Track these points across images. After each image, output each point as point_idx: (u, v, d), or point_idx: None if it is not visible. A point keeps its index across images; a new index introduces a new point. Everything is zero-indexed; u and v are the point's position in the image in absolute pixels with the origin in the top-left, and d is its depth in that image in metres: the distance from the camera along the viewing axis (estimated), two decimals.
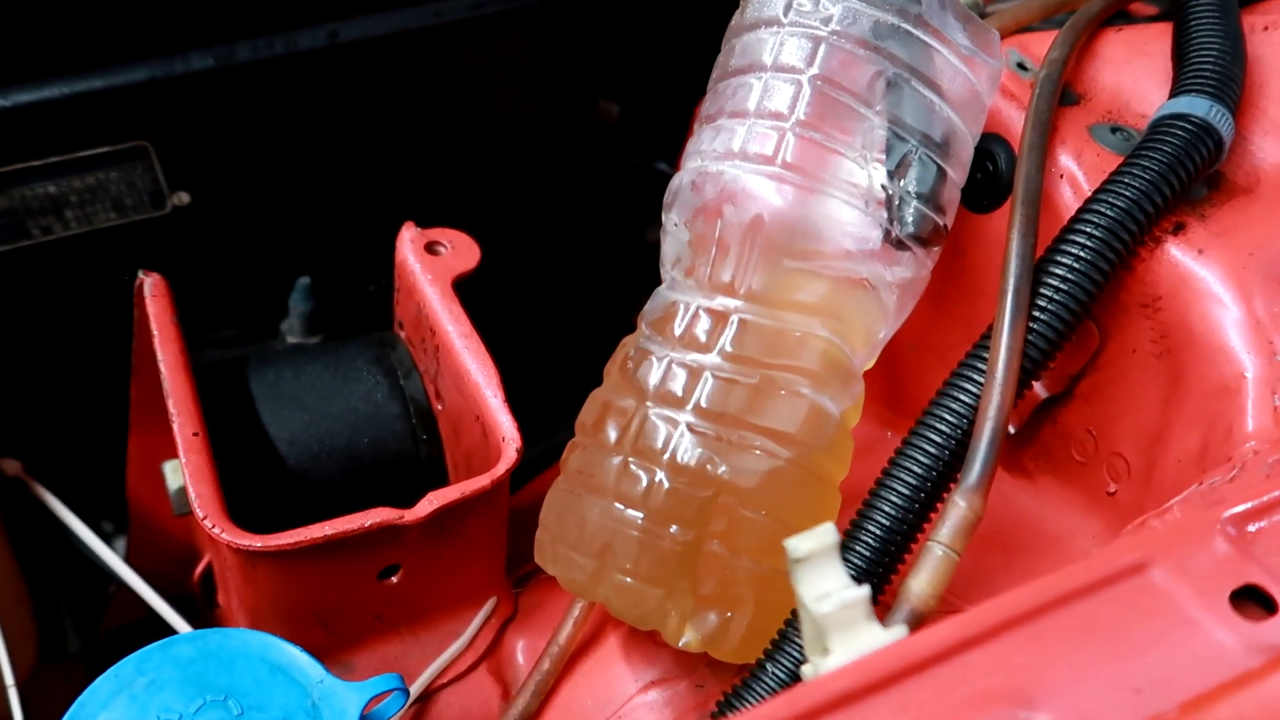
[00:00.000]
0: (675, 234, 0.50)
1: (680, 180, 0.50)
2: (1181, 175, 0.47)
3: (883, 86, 0.48)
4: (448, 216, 0.82)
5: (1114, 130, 0.54)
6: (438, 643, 0.58)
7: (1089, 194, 0.51)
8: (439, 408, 0.65)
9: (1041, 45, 0.58)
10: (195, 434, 0.53)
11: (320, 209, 0.77)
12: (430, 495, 0.53)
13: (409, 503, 0.66)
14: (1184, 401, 0.47)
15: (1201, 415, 0.45)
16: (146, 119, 0.68)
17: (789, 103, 0.47)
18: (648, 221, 0.92)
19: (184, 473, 0.51)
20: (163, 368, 0.55)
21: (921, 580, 0.42)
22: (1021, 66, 0.58)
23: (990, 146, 0.55)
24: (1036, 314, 0.47)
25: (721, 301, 0.48)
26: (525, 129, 0.82)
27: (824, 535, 0.38)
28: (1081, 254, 0.47)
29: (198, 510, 0.50)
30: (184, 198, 0.71)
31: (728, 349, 0.47)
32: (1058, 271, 0.47)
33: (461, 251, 0.66)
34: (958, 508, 0.43)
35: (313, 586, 0.53)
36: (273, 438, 0.62)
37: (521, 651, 0.60)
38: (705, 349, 0.47)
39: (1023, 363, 0.46)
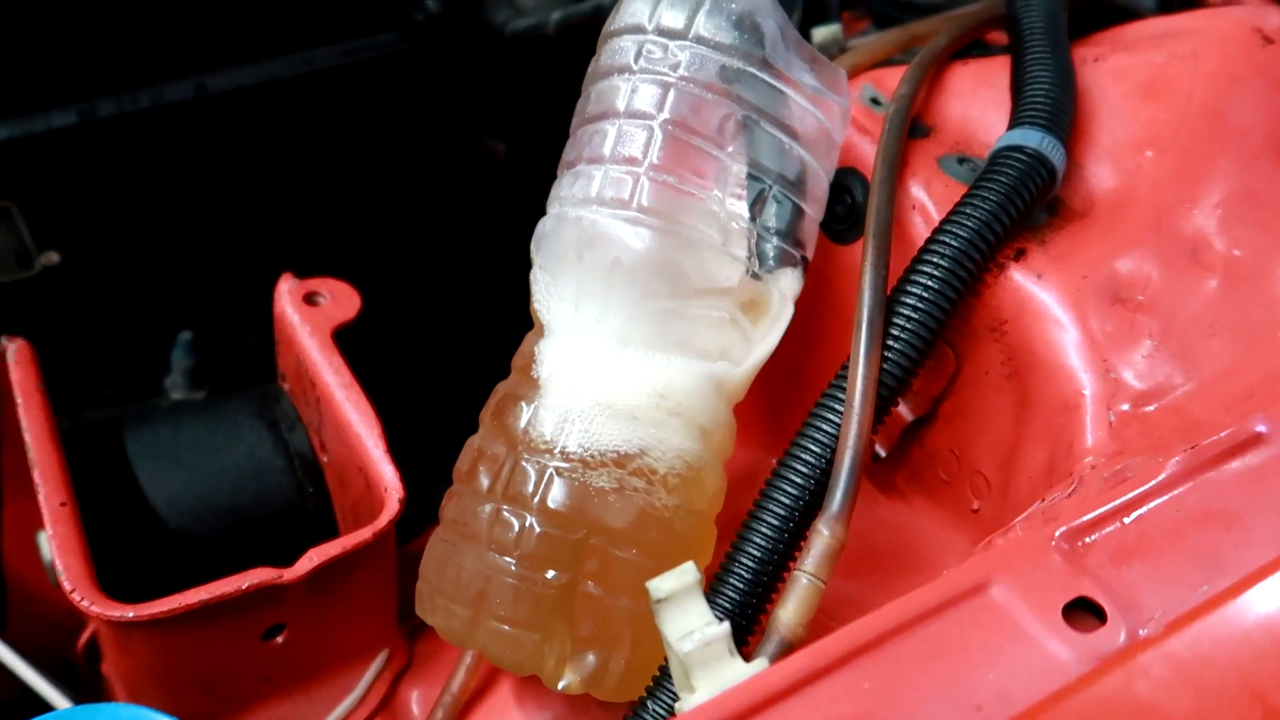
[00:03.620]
0: (540, 279, 0.51)
1: (544, 226, 0.51)
2: (1019, 204, 0.50)
3: (734, 128, 0.49)
4: (333, 264, 0.81)
5: (961, 161, 0.56)
6: (330, 700, 0.58)
7: (937, 221, 0.53)
8: (324, 459, 0.65)
9: (896, 80, 0.60)
10: (63, 504, 0.52)
11: (198, 262, 0.76)
12: (310, 552, 0.53)
13: (299, 557, 0.66)
14: (1032, 419, 0.49)
15: (1047, 432, 0.48)
16: (8, 178, 0.66)
17: (642, 148, 0.48)
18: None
19: (51, 545, 0.50)
20: (27, 437, 0.54)
21: (789, 610, 0.43)
22: (875, 101, 0.60)
23: (847, 180, 0.57)
24: (890, 342, 0.49)
25: (587, 344, 0.48)
26: (408, 171, 0.82)
27: (684, 575, 0.39)
28: (930, 282, 0.49)
29: (65, 583, 0.48)
30: (53, 257, 0.70)
31: (594, 392, 0.47)
32: (909, 300, 0.49)
33: (341, 301, 0.66)
34: (821, 536, 0.44)
35: (193, 653, 0.52)
36: (151, 499, 0.60)
37: (416, 702, 0.59)
38: (572, 392, 0.48)
39: (880, 390, 0.48)
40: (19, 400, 0.55)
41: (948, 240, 0.49)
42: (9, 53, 0.64)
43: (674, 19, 0.49)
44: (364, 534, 0.53)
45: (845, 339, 0.59)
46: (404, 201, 0.83)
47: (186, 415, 0.65)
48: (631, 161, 0.48)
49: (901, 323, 0.49)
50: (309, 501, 0.64)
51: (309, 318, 0.64)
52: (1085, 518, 0.38)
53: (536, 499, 0.46)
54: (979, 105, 0.59)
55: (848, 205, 0.58)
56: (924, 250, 0.50)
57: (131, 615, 0.48)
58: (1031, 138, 0.51)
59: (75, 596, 0.48)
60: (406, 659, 0.61)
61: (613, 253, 0.48)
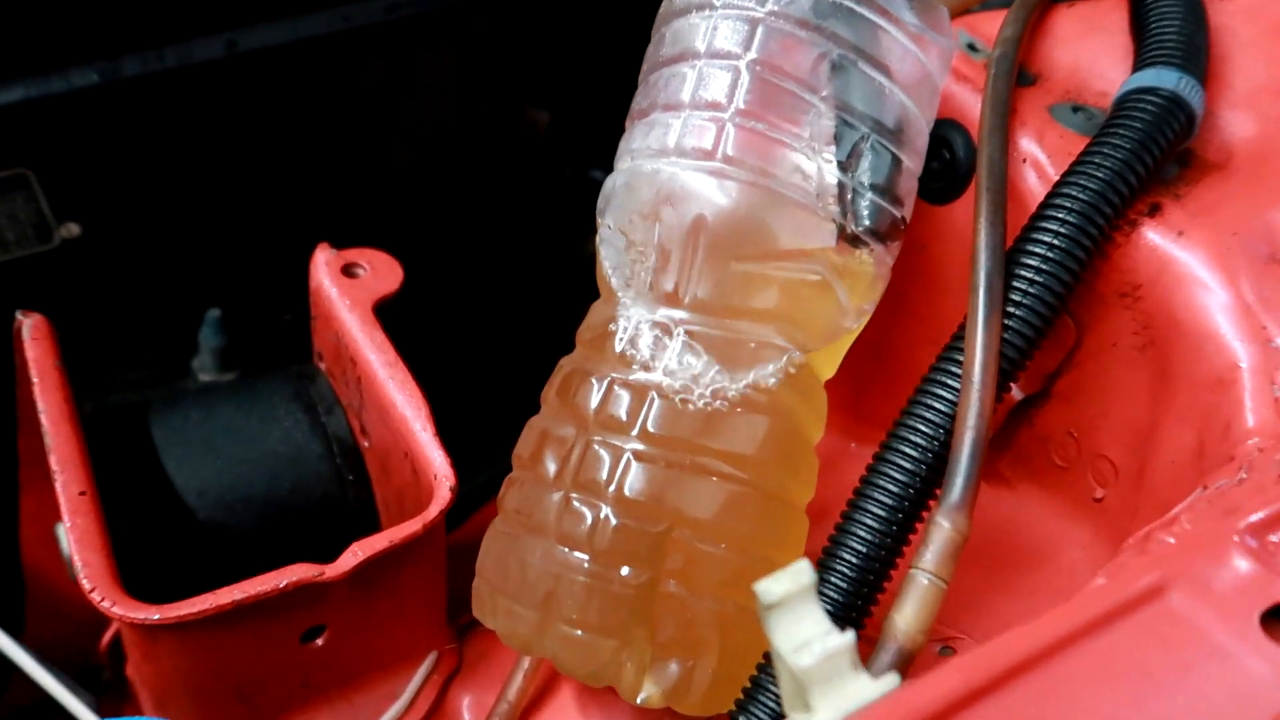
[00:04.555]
0: (611, 241, 0.45)
1: (613, 182, 0.46)
2: (1154, 152, 0.44)
3: (827, 70, 0.44)
4: (368, 235, 0.76)
5: (1075, 110, 0.50)
6: (374, 706, 0.53)
7: (1055, 178, 0.47)
8: (365, 444, 0.59)
9: (990, 25, 0.54)
10: (82, 493, 0.47)
11: (228, 234, 0.71)
12: (355, 546, 0.47)
13: (340, 550, 0.60)
14: (1173, 396, 0.43)
15: (1194, 410, 0.42)
16: (24, 144, 0.61)
17: (726, 91, 0.43)
18: (584, 233, 0.88)
19: (69, 538, 0.45)
20: (44, 419, 0.49)
21: (907, 615, 0.38)
22: (972, 48, 0.54)
23: (946, 133, 0.51)
24: (1011, 309, 0.43)
25: (665, 313, 0.43)
26: (448, 140, 0.77)
27: (799, 575, 0.33)
28: (1055, 242, 0.43)
29: (84, 581, 0.44)
30: (73, 229, 0.65)
31: (674, 366, 0.42)
32: (1030, 262, 0.43)
33: (382, 273, 0.60)
34: (941, 530, 0.39)
35: (225, 658, 0.47)
36: (180, 489, 0.56)
37: (468, 709, 0.54)
38: (649, 367, 0.42)
39: (1001, 363, 0.42)
40: (35, 379, 0.51)
41: (1074, 194, 0.43)
42: (25, 6, 0.59)
43: None
44: (413, 525, 0.48)
45: (941, 311, 0.54)
46: (444, 170, 0.78)
47: (217, 398, 0.60)
48: (715, 107, 0.43)
49: (1023, 286, 0.43)
50: (349, 490, 0.59)
51: (348, 291, 0.59)
52: (1270, 510, 0.33)
53: (612, 487, 0.41)
54: (1090, 51, 0.52)
55: (945, 161, 0.52)
56: (1046, 205, 0.44)
57: (157, 617, 0.43)
58: (1166, 78, 0.45)
59: (95, 596, 0.43)
60: (457, 661, 0.56)
61: (695, 209, 0.42)
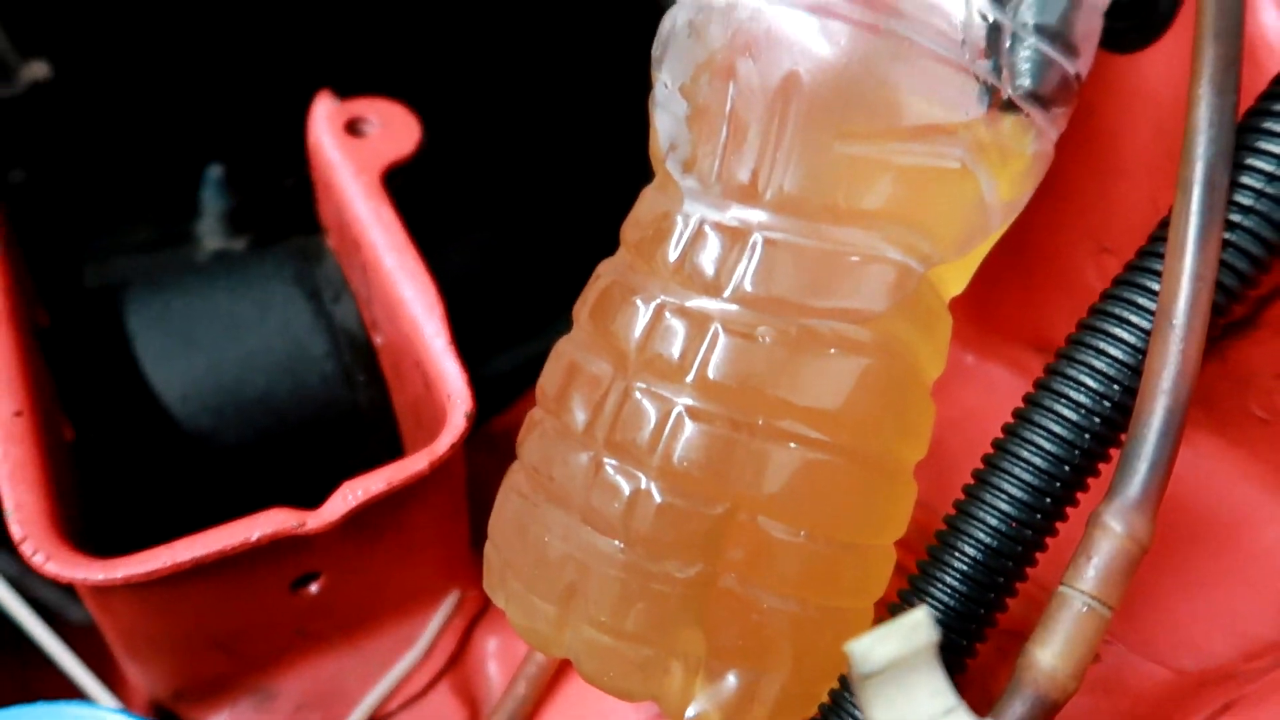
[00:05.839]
0: (669, 104, 0.33)
1: (672, 20, 0.33)
2: None
3: None
4: (385, 75, 0.64)
5: None
6: (385, 654, 0.45)
7: None
8: (378, 340, 0.50)
9: None
10: (18, 413, 0.38)
11: (225, 74, 0.60)
12: (345, 488, 0.38)
13: (351, 462, 0.52)
14: None
15: None
16: None
17: None
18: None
19: (0, 471, 0.37)
20: None
21: (1054, 651, 0.27)
22: None
23: None
24: (1237, 217, 0.30)
25: (738, 213, 0.31)
26: None
27: (914, 633, 0.23)
28: None
29: (14, 527, 0.36)
30: (41, 69, 0.55)
31: (747, 288, 0.30)
32: (1271, 148, 0.30)
33: (395, 130, 0.49)
34: (1111, 535, 0.28)
35: (196, 612, 0.39)
36: (158, 391, 0.47)
37: (494, 657, 0.47)
38: (714, 288, 0.31)
39: (1216, 296, 0.29)
40: None
41: None
42: None
43: None
44: (418, 463, 0.39)
45: (1110, 202, 0.41)
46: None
47: (204, 282, 0.50)
48: None
49: (1256, 185, 0.30)
50: (360, 393, 0.50)
51: (352, 153, 0.48)
52: None
53: (657, 452, 0.30)
54: None
55: None
56: None
57: (101, 577, 0.35)
58: None
59: (27, 548, 0.35)
60: (483, 601, 0.48)
61: (786, 63, 0.30)
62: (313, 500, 0.39)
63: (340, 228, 0.49)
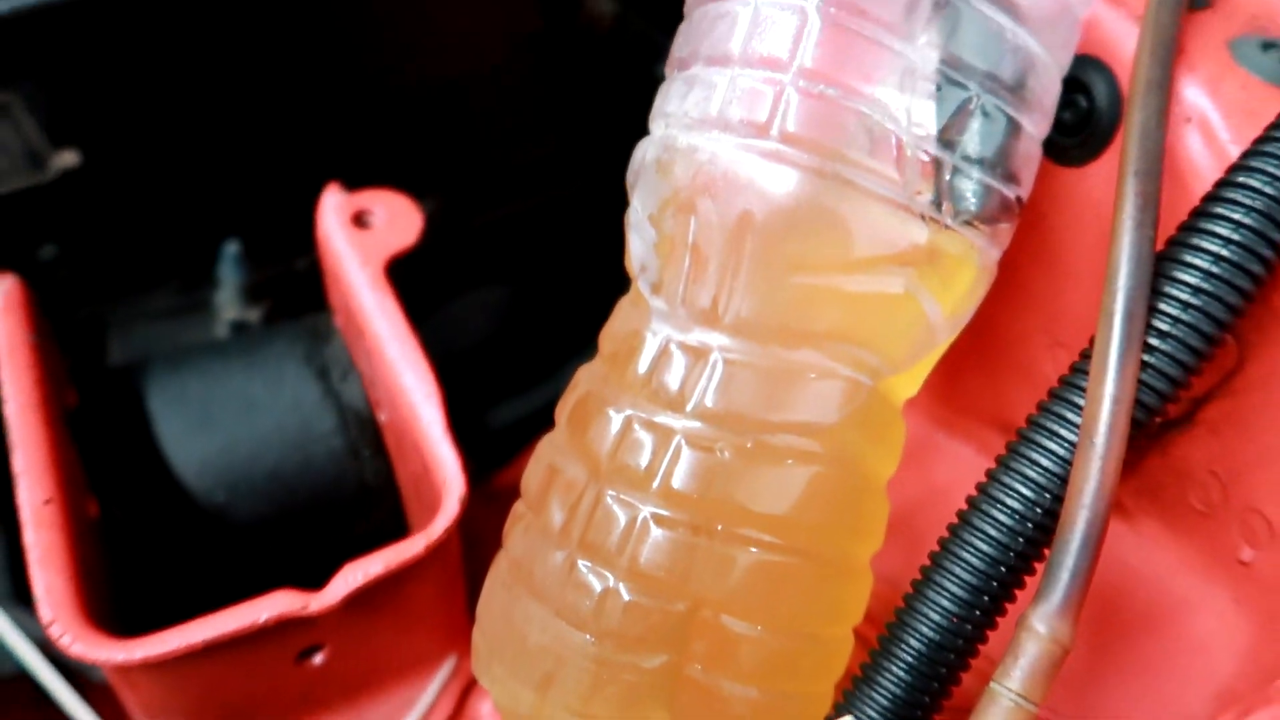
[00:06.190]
0: (640, 229, 0.36)
1: (642, 154, 0.36)
2: None
3: (927, 8, 0.33)
4: (395, 159, 0.68)
5: (1266, 47, 0.38)
6: (386, 717, 0.48)
7: (1229, 146, 0.36)
8: (382, 417, 0.53)
9: None
10: (47, 501, 0.42)
11: (243, 158, 0.63)
12: (346, 570, 0.42)
13: (357, 531, 0.55)
14: None
15: None
16: (7, 63, 0.54)
17: (789, 42, 0.32)
18: None
19: (31, 556, 0.40)
20: (9, 409, 0.44)
21: None
22: None
23: (1084, 75, 0.40)
24: (1155, 341, 0.32)
25: (700, 335, 0.34)
26: (489, 46, 0.67)
27: None
28: (1224, 253, 0.32)
29: (43, 610, 0.39)
30: (71, 158, 0.59)
31: (708, 404, 0.33)
32: (1187, 278, 0.32)
33: (398, 222, 0.53)
34: (1036, 638, 0.30)
35: (208, 684, 0.42)
36: (176, 468, 0.50)
37: (490, 718, 0.49)
38: (678, 404, 0.34)
39: (1136, 412, 0.32)
40: (3, 358, 0.45)
41: (1253, 183, 0.32)
42: None
43: None
44: (414, 546, 0.42)
45: (1058, 296, 0.43)
46: (485, 83, 0.68)
47: (220, 361, 0.54)
48: (772, 64, 0.33)
49: (1173, 312, 0.32)
50: (366, 467, 0.53)
51: (359, 245, 0.51)
52: None
53: (625, 555, 0.33)
54: None
55: (1082, 112, 0.40)
56: (1215, 196, 0.33)
57: (121, 658, 0.38)
58: None
59: (55, 630, 0.38)
60: None
61: (742, 203, 0.33)
62: (321, 568, 0.42)
63: (347, 311, 0.52)
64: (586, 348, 0.39)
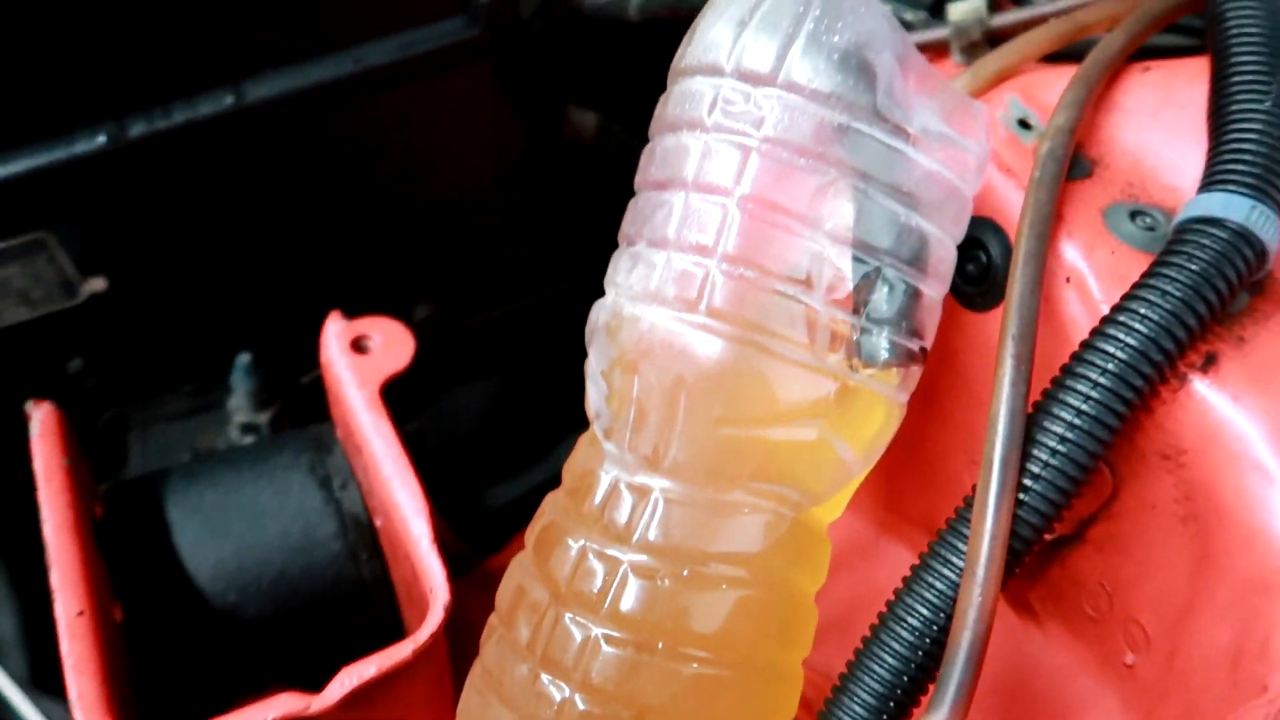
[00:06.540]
0: (594, 380, 0.42)
1: (596, 317, 0.42)
2: (1211, 298, 0.38)
3: (833, 200, 0.39)
4: (394, 275, 0.74)
5: (1134, 215, 0.44)
6: None
7: (1100, 303, 0.42)
8: (378, 523, 0.59)
9: (1052, 90, 0.47)
10: (80, 613, 0.47)
11: (252, 284, 0.70)
12: (342, 674, 0.47)
13: (355, 626, 0.60)
14: (1214, 585, 0.38)
15: (1234, 610, 0.37)
16: (39, 210, 0.61)
17: (714, 232, 0.38)
18: None
19: (66, 664, 0.45)
20: (46, 529, 0.50)
21: None
22: (1024, 124, 0.47)
23: (981, 234, 0.46)
24: (1029, 482, 0.38)
25: (643, 477, 0.40)
26: (480, 167, 0.73)
27: None
28: (1086, 405, 0.38)
29: (77, 714, 0.44)
30: (98, 284, 0.65)
31: (650, 538, 0.39)
32: (1055, 428, 0.38)
33: (393, 346, 0.59)
34: None
35: None
36: (192, 571, 0.56)
37: None
38: (625, 537, 0.39)
39: (1013, 543, 0.38)
40: (40, 482, 0.51)
41: (1115, 343, 0.38)
42: (26, 75, 0.57)
43: (759, 57, 0.39)
44: (403, 650, 0.47)
45: (971, 418, 0.49)
46: (477, 198, 0.74)
47: (231, 472, 0.59)
48: (701, 250, 0.39)
49: (1044, 457, 0.38)
50: (364, 569, 0.59)
51: (357, 369, 0.57)
52: None
53: (580, 670, 0.39)
54: (1162, 132, 0.46)
55: (982, 265, 0.46)
56: (1083, 354, 0.39)
57: None
58: (1236, 208, 0.38)
59: None
60: None
61: (676, 368, 0.38)
62: (324, 659, 0.48)
63: (346, 427, 0.58)
64: (577, 429, 0.44)
